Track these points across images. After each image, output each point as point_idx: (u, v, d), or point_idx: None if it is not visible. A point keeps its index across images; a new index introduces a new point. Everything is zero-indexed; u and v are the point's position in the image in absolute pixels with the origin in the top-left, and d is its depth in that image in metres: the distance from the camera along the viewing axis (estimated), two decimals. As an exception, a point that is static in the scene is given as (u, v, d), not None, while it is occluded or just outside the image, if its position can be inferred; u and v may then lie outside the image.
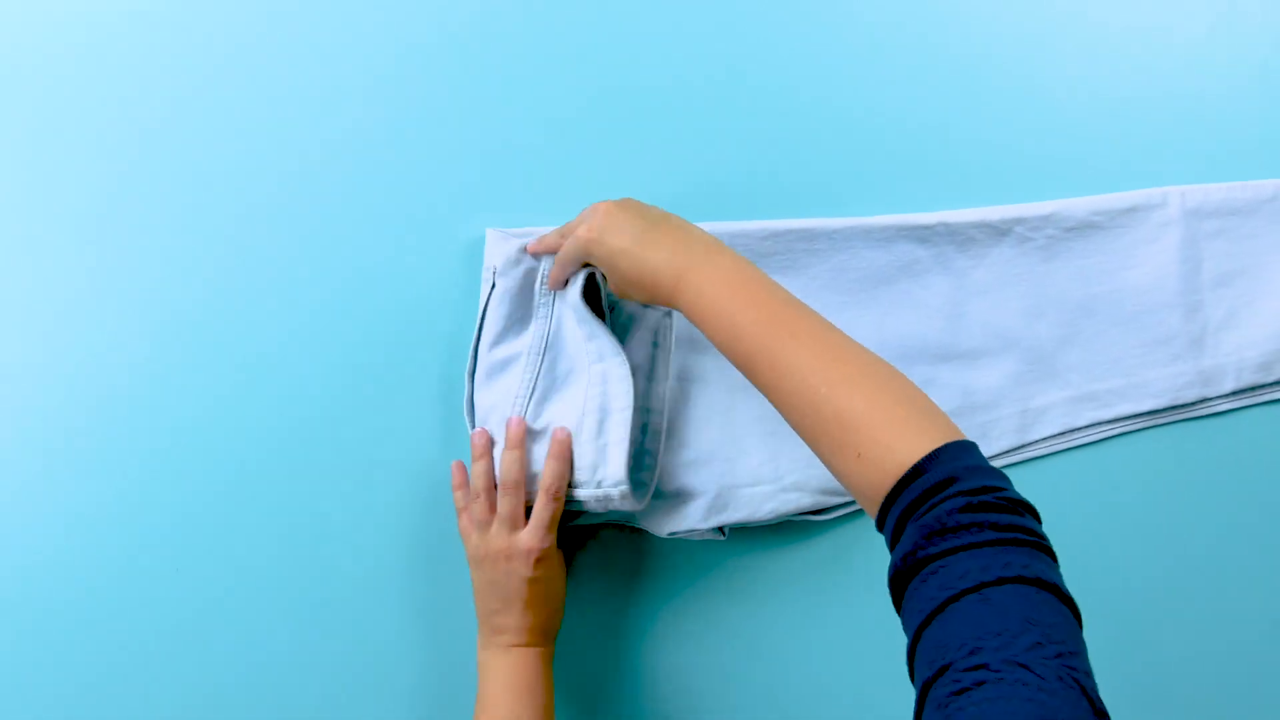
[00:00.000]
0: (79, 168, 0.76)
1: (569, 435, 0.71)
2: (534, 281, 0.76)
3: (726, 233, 0.78)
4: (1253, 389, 0.85)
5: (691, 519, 0.77)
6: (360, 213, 0.79)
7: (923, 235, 0.82)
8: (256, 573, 0.77)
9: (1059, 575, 0.50)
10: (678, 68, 0.81)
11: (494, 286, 0.75)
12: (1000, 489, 0.52)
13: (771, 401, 0.62)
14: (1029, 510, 0.53)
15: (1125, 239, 0.84)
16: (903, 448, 0.54)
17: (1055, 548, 0.64)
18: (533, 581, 0.71)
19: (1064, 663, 0.44)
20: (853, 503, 0.81)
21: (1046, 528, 0.53)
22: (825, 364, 0.59)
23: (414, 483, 0.78)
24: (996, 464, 0.81)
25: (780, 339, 0.60)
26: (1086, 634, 0.48)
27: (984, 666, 0.44)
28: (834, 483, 0.79)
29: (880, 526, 0.56)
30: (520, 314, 0.76)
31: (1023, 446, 0.83)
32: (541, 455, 0.71)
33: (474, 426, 0.75)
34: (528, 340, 0.75)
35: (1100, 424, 0.84)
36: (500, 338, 0.75)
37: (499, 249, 0.76)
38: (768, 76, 0.82)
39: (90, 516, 0.76)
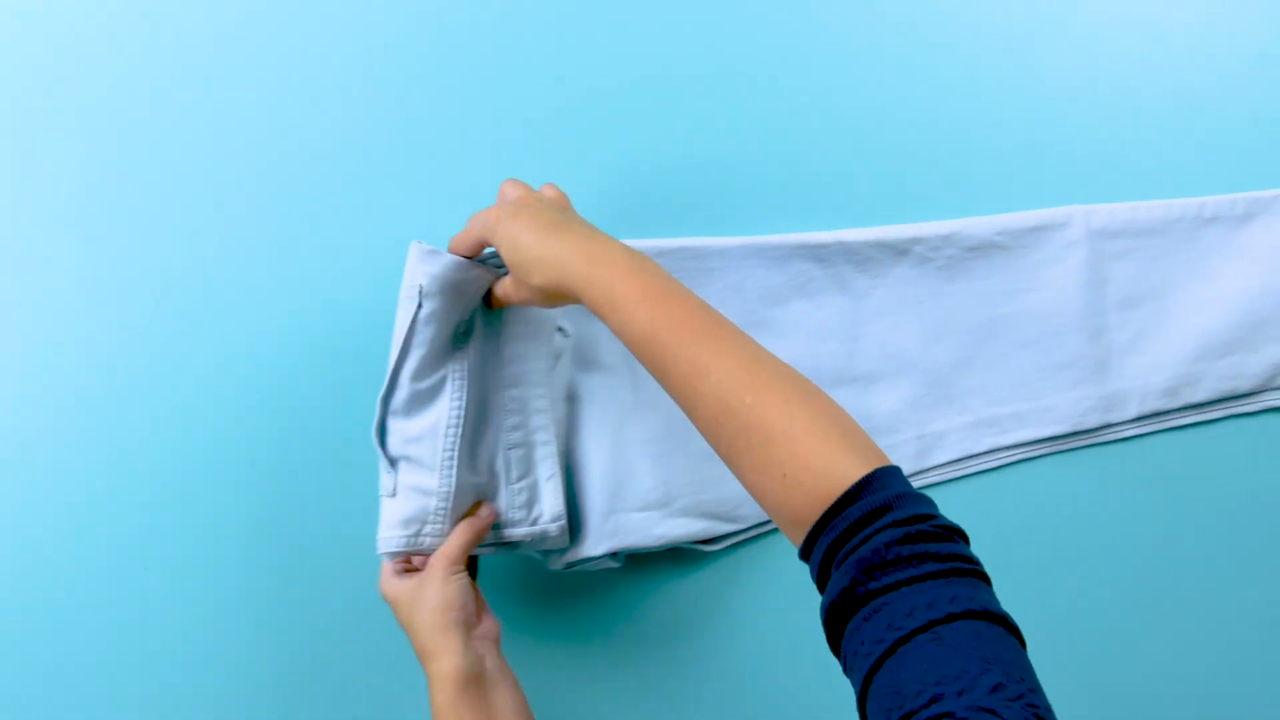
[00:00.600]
0: (56, 168, 0.75)
1: (493, 514, 0.70)
2: (466, 303, 0.70)
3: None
4: (1157, 415, 0.83)
5: (585, 547, 0.75)
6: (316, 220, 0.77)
7: (819, 254, 0.79)
8: (231, 572, 0.76)
9: (998, 601, 0.48)
10: (627, 68, 0.80)
11: (420, 308, 0.68)
12: (933, 516, 0.50)
13: (684, 407, 0.58)
14: (960, 535, 0.51)
15: (1028, 259, 0.81)
16: (832, 471, 0.51)
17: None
18: (411, 604, 0.67)
19: (1026, 702, 0.43)
20: (743, 531, 0.79)
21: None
22: (750, 373, 0.56)
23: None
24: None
25: (701, 341, 0.57)
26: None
27: (949, 715, 0.42)
28: (725, 507, 0.77)
29: (805, 555, 0.53)
30: (447, 340, 0.71)
31: (921, 472, 0.81)
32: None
33: (386, 453, 0.69)
34: (455, 365, 0.69)
35: (1000, 450, 0.82)
36: (426, 365, 0.68)
37: (425, 265, 0.68)
38: (745, 78, 0.81)
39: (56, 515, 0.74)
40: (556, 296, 0.63)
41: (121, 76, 0.75)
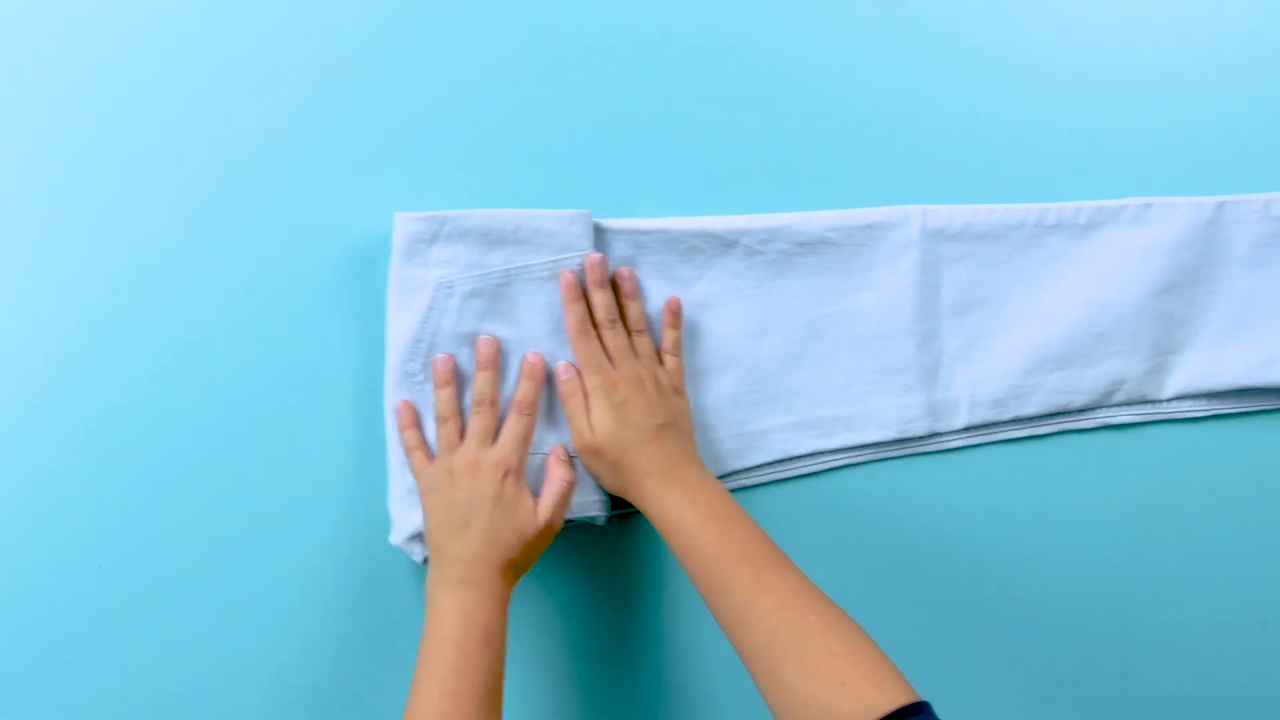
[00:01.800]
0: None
1: (540, 357, 0.72)
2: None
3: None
4: (986, 426, 0.80)
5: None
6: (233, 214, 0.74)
7: (641, 241, 0.76)
8: (170, 568, 0.74)
9: None
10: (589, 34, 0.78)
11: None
12: None
13: (734, 620, 0.62)
14: None
15: (861, 258, 0.79)
16: (893, 690, 0.56)
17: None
18: (496, 500, 0.68)
19: None
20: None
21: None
22: (810, 596, 0.62)
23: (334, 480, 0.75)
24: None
25: (766, 564, 0.64)
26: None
27: None
28: None
29: None
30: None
31: (739, 472, 0.78)
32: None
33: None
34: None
35: (823, 453, 0.79)
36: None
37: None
38: (664, 51, 0.78)
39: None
40: (614, 487, 0.71)
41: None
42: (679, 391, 0.74)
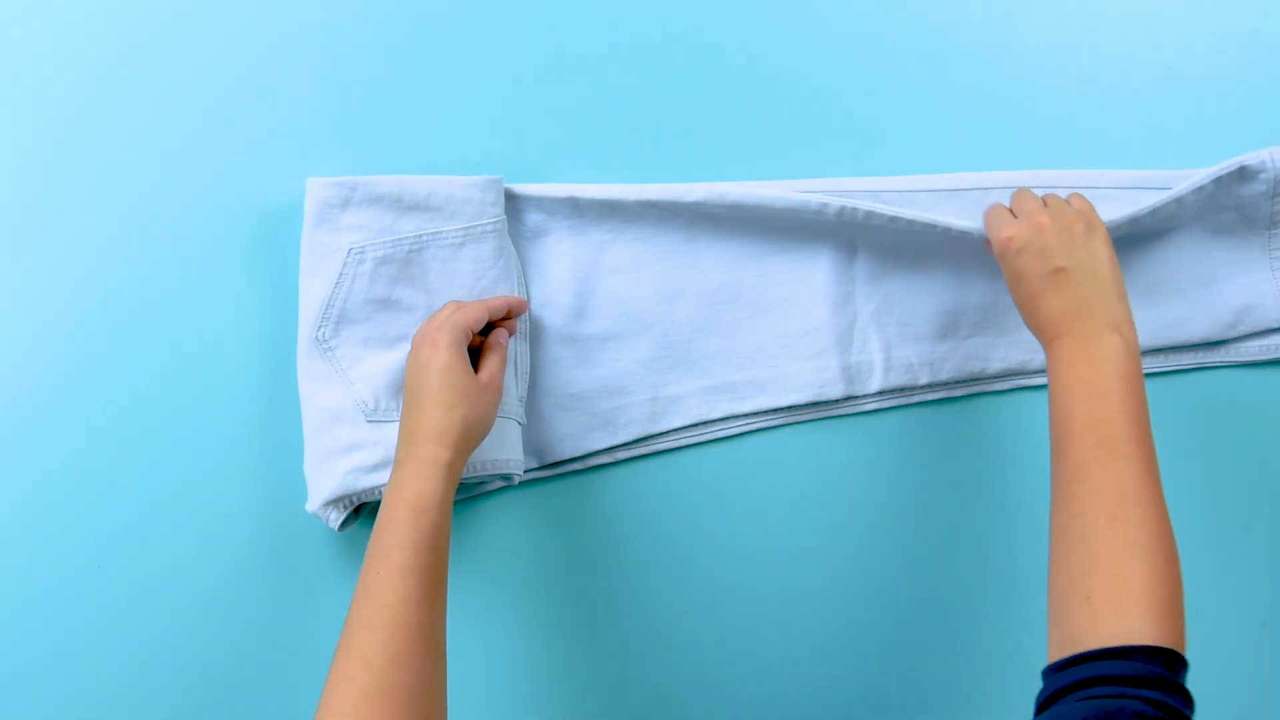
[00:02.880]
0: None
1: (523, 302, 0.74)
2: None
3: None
4: (900, 390, 0.81)
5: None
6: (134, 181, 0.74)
7: (550, 207, 0.76)
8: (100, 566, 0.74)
9: None
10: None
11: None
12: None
13: (1054, 488, 0.61)
14: None
15: (776, 221, 0.79)
16: (1139, 624, 0.53)
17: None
18: (445, 370, 0.64)
19: None
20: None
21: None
22: (1129, 495, 0.58)
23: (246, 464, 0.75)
24: (627, 453, 0.79)
25: (1109, 449, 0.60)
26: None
27: None
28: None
29: (1059, 668, 0.53)
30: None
31: (652, 437, 0.79)
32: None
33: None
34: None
35: (736, 417, 0.80)
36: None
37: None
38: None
39: None
40: (1034, 326, 0.68)
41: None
42: (1092, 228, 0.69)
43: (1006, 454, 0.82)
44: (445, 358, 0.65)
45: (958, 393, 0.81)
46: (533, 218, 0.77)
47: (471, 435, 0.66)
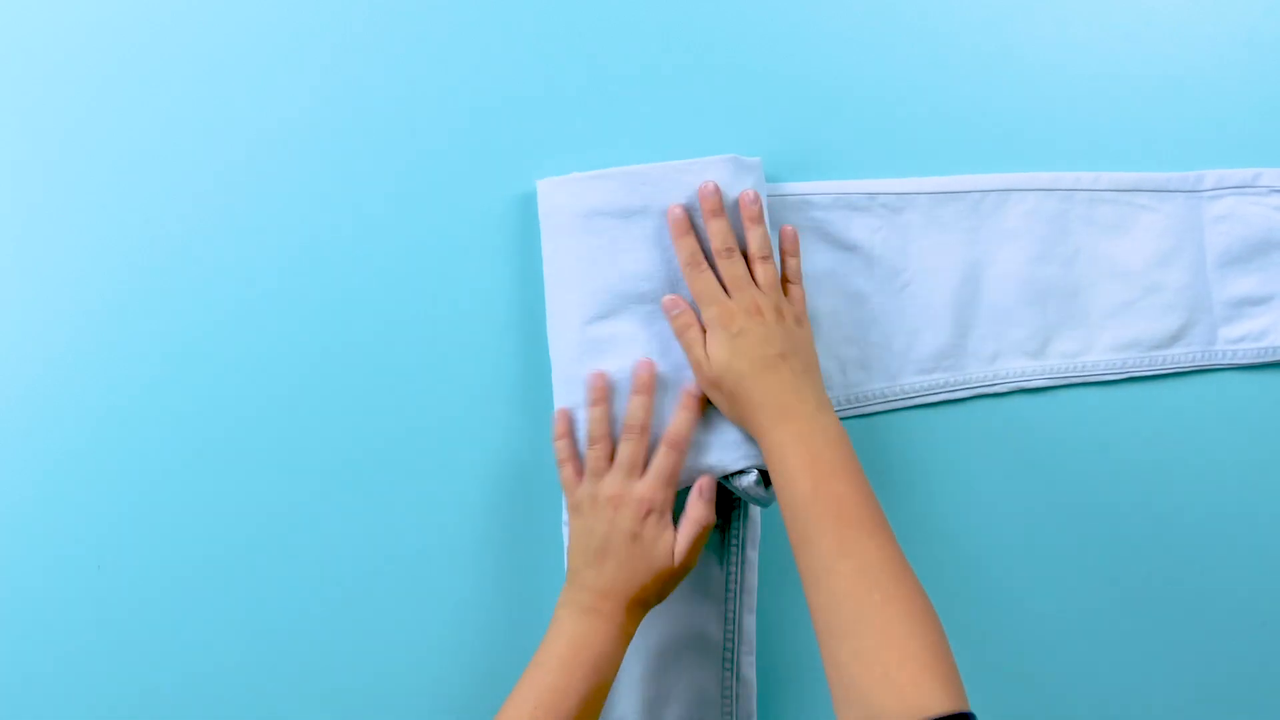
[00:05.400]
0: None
1: (699, 389, 0.71)
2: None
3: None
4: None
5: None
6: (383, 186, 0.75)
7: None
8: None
9: None
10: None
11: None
12: None
13: (809, 578, 0.62)
14: None
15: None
16: (932, 695, 0.54)
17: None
18: (633, 537, 0.67)
19: None
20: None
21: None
22: (886, 574, 0.60)
23: (492, 471, 0.76)
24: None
25: (852, 526, 0.62)
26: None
27: None
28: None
29: None
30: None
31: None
32: (668, 407, 0.71)
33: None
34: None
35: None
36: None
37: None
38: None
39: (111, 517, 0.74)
40: (733, 418, 0.69)
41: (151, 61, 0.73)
42: (801, 321, 0.71)
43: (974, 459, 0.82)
44: (650, 531, 0.68)
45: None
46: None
47: (656, 601, 0.70)
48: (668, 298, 0.71)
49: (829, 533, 0.61)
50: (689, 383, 0.71)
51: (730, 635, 0.77)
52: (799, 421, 0.66)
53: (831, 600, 0.60)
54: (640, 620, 0.69)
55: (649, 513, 0.68)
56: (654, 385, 0.70)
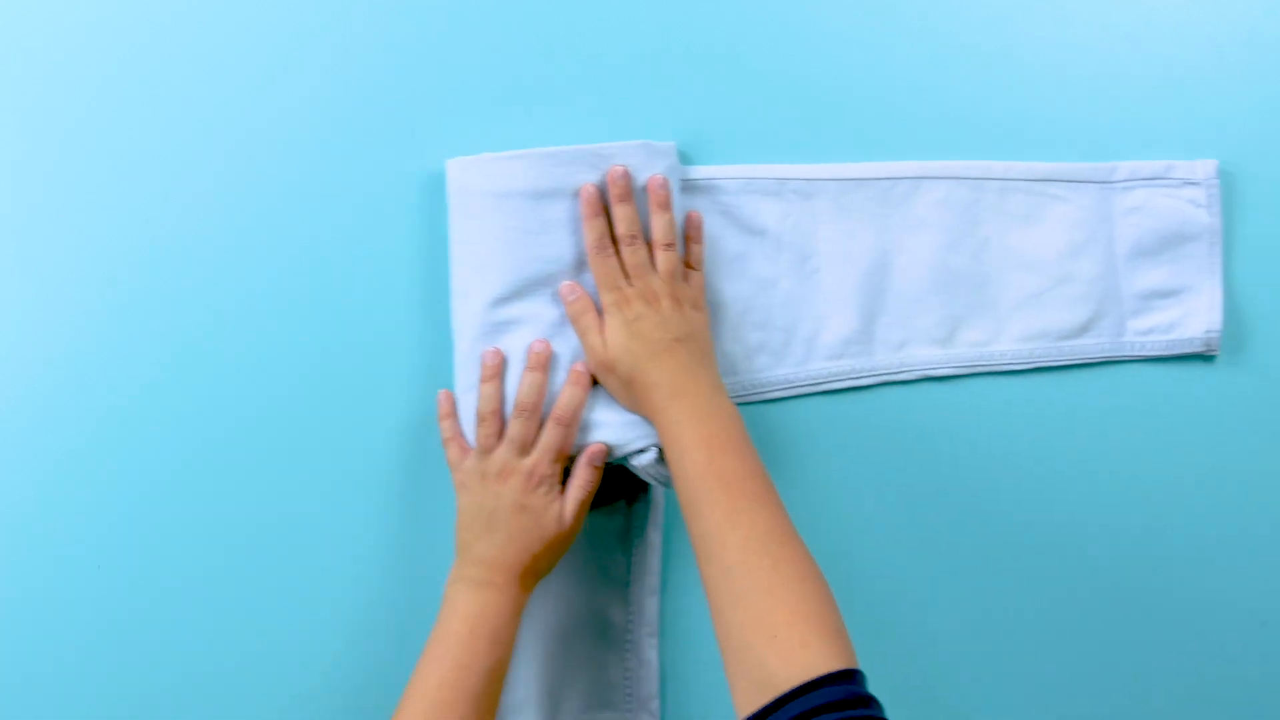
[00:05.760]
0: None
1: (588, 367, 0.71)
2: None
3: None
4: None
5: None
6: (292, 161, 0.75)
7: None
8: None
9: None
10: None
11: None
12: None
13: (701, 549, 0.62)
14: None
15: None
16: (821, 655, 0.55)
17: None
18: (521, 509, 0.68)
19: None
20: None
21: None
22: (776, 541, 0.61)
23: (391, 453, 0.76)
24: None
25: (743, 498, 0.63)
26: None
27: None
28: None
29: (765, 712, 0.54)
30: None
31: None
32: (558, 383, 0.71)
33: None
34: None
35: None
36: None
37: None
38: None
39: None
40: (627, 403, 0.70)
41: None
42: (698, 306, 0.72)
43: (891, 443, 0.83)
44: (539, 501, 0.70)
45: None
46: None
47: (546, 570, 0.72)
48: (565, 284, 0.71)
49: (720, 504, 0.62)
50: (579, 362, 0.71)
51: (631, 617, 0.77)
52: (694, 398, 0.67)
53: (723, 570, 0.60)
54: (532, 589, 0.70)
55: (539, 484, 0.69)
56: (548, 364, 0.70)
